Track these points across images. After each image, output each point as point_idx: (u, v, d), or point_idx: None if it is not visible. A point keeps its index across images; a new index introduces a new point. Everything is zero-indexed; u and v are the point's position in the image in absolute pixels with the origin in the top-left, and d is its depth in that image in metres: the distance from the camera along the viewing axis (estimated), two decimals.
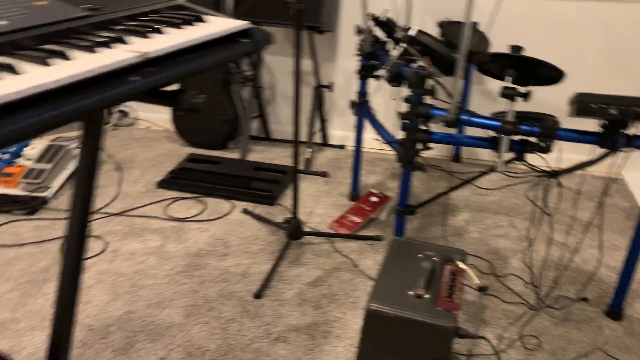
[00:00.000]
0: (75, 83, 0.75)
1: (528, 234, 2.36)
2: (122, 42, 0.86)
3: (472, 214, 2.51)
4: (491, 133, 1.80)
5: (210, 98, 2.59)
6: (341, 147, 3.15)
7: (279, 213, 2.51)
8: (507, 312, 1.91)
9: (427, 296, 1.44)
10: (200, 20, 1.00)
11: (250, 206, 2.55)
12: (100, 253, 2.21)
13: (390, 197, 2.55)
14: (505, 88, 1.72)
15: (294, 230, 2.21)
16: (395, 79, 1.92)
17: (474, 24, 2.52)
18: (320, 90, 2.94)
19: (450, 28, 2.50)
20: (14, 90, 0.67)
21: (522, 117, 1.79)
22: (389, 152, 3.12)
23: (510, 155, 1.85)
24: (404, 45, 1.92)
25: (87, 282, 2.04)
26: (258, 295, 1.97)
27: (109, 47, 0.83)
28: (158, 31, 0.91)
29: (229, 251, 2.23)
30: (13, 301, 1.94)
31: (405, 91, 1.86)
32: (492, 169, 1.90)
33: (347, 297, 1.98)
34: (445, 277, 1.54)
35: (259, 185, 2.66)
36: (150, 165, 2.93)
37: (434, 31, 2.56)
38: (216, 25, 0.98)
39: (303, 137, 3.18)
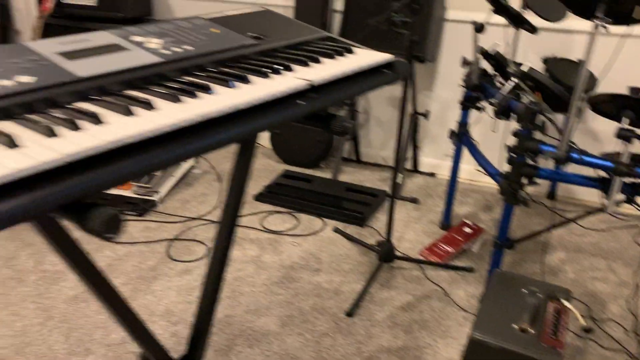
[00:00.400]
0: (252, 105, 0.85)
1: (635, 279, 2.27)
2: (289, 69, 0.95)
3: (568, 254, 2.45)
4: (600, 173, 1.78)
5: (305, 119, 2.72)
6: (431, 174, 3.17)
7: (368, 235, 2.56)
8: (606, 358, 1.85)
9: (532, 331, 1.44)
10: (350, 52, 1.08)
11: (340, 225, 2.62)
12: (203, 257, 2.35)
13: (484, 229, 2.54)
14: (622, 129, 1.70)
15: (386, 253, 2.25)
16: (504, 112, 1.94)
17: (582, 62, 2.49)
18: (415, 117, 2.99)
19: (556, 65, 2.48)
20: (215, 109, 0.77)
21: (637, 159, 1.75)
22: (481, 183, 3.10)
23: (620, 197, 1.81)
24: (516, 80, 1.94)
25: (191, 284, 2.17)
26: (350, 314, 2.02)
27: (279, 73, 0.93)
28: (317, 61, 1.01)
29: (321, 267, 2.30)
30: (126, 294, 2.10)
31: (513, 125, 1.88)
32: (600, 210, 1.86)
33: (438, 325, 1.99)
34: (549, 314, 1.53)
35: (350, 206, 2.73)
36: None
37: (538, 67, 2.55)
38: (364, 57, 1.07)
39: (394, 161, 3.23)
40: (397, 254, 2.34)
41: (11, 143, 0.61)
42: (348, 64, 1.01)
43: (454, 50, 2.93)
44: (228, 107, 0.78)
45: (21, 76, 0.75)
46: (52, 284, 2.15)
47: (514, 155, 1.86)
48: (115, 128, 0.68)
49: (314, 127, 1.00)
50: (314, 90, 0.93)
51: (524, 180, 1.90)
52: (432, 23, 2.60)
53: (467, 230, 2.50)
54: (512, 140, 1.87)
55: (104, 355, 1.80)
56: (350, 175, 3.16)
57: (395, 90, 3.13)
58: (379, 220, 2.68)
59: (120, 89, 0.81)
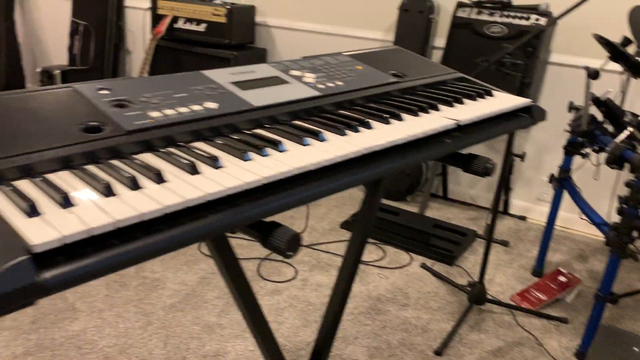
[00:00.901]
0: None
1: None
2: (436, 109, 0.99)
3: None
4: None
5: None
6: (522, 218, 3.10)
7: (457, 274, 2.53)
8: None
9: None
10: (490, 94, 1.11)
11: (428, 262, 2.61)
12: (291, 279, 2.40)
13: (580, 280, 2.44)
14: None
15: (477, 295, 2.21)
16: (617, 162, 1.88)
17: None
18: (510, 159, 2.94)
19: None
20: (378, 143, 0.81)
21: None
22: (575, 231, 2.99)
23: None
24: (631, 129, 1.88)
25: (281, 304, 2.22)
26: (439, 352, 2.00)
27: (427, 112, 0.97)
28: (460, 101, 1.04)
29: (408, 302, 2.30)
30: (219, 307, 2.18)
31: (626, 175, 1.82)
32: None
33: None
34: None
35: (438, 243, 2.71)
36: (334, 206, 3.14)
37: None
38: (504, 100, 1.09)
39: (484, 202, 3.19)
40: (488, 296, 2.30)
41: (214, 164, 0.68)
42: (490, 106, 1.03)
43: (555, 94, 2.88)
44: (388, 142, 0.82)
45: (207, 102, 0.83)
46: (152, 291, 2.26)
47: (626, 207, 1.80)
48: (297, 156, 0.73)
49: (455, 165, 1.03)
50: (458, 130, 0.96)
51: (635, 234, 1.83)
52: (537, 66, 2.58)
53: (562, 279, 2.41)
54: (624, 191, 1.81)
55: None
56: (437, 212, 3.14)
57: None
58: (468, 260, 2.65)
59: (288, 119, 0.88)
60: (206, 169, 0.67)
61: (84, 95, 0.77)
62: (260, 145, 0.74)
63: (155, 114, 0.76)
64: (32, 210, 0.53)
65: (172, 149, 0.72)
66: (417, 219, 2.93)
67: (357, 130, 0.85)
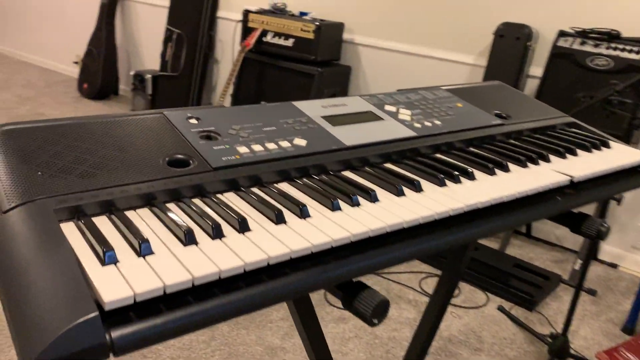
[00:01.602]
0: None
1: None
2: (547, 160, 0.88)
3: None
4: None
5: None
6: (613, 265, 2.84)
7: (537, 321, 2.34)
8: None
9: None
10: (606, 145, 0.99)
11: (506, 304, 2.43)
12: None
13: None
14: None
15: (559, 348, 2.03)
16: None
17: None
18: (605, 201, 2.71)
19: None
20: (482, 200, 0.72)
21: None
22: None
23: None
24: None
25: (346, 334, 2.15)
26: None
27: (536, 163, 0.87)
28: (573, 152, 0.93)
29: (482, 347, 2.14)
30: (283, 330, 2.13)
31: None
32: None
33: None
34: None
35: (518, 285, 2.53)
36: None
37: None
38: (623, 154, 0.96)
39: (571, 243, 2.97)
40: (571, 351, 2.10)
41: (301, 212, 0.62)
42: (608, 161, 0.91)
43: None
44: (493, 199, 0.73)
45: (296, 139, 0.78)
46: None
47: None
48: (391, 209, 0.66)
49: (563, 224, 0.91)
50: (571, 186, 0.85)
51: None
52: None
53: None
54: None
55: None
56: (519, 250, 2.95)
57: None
58: (549, 307, 2.45)
59: (379, 161, 0.81)
60: (292, 218, 0.61)
61: (172, 124, 0.74)
62: (351, 193, 0.67)
63: (242, 149, 0.72)
64: (108, 258, 0.50)
65: (256, 190, 0.67)
66: (497, 257, 2.76)
67: (458, 181, 0.76)
